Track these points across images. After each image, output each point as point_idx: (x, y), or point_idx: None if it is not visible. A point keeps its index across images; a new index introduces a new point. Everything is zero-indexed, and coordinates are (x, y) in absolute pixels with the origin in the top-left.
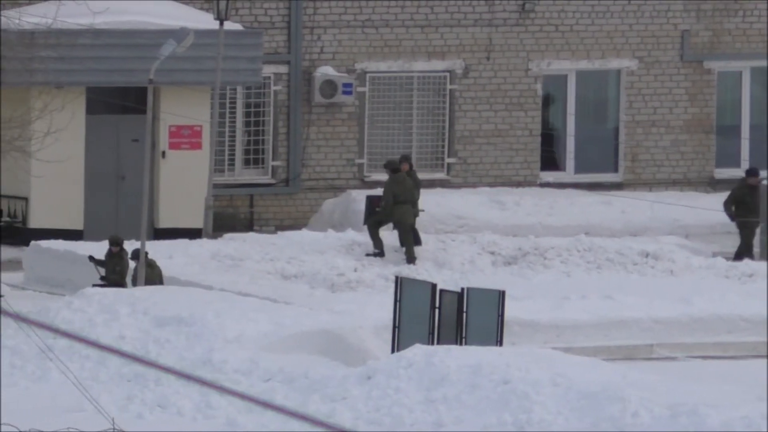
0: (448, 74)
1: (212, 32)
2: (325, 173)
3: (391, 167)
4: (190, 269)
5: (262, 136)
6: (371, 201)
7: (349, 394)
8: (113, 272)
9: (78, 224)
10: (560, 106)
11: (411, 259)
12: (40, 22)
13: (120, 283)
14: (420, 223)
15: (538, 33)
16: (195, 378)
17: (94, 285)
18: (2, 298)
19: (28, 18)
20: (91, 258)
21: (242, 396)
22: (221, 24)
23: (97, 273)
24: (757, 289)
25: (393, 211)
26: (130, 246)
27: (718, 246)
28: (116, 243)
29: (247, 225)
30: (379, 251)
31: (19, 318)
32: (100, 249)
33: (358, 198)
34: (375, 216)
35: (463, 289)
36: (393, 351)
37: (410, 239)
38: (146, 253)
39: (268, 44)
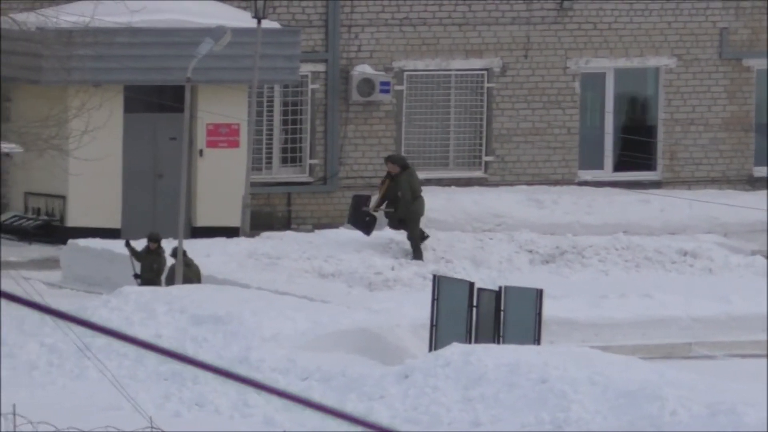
0: (485, 72)
1: (250, 30)
2: (363, 171)
3: (401, 163)
4: (227, 268)
5: (300, 134)
6: (358, 200)
7: (387, 393)
8: (149, 270)
9: (115, 223)
10: (598, 104)
11: (420, 254)
12: (77, 21)
13: (154, 281)
14: (457, 221)
15: (577, 31)
16: (233, 375)
17: (137, 283)
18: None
19: (66, 16)
20: (127, 243)
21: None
22: (259, 22)
23: (131, 267)
24: None
25: (414, 209)
26: (167, 244)
27: (757, 244)
28: (155, 240)
29: (285, 223)
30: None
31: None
32: (137, 248)
33: None
34: (394, 214)
35: (500, 287)
36: (430, 349)
37: (417, 235)
38: (184, 252)
39: (306, 42)
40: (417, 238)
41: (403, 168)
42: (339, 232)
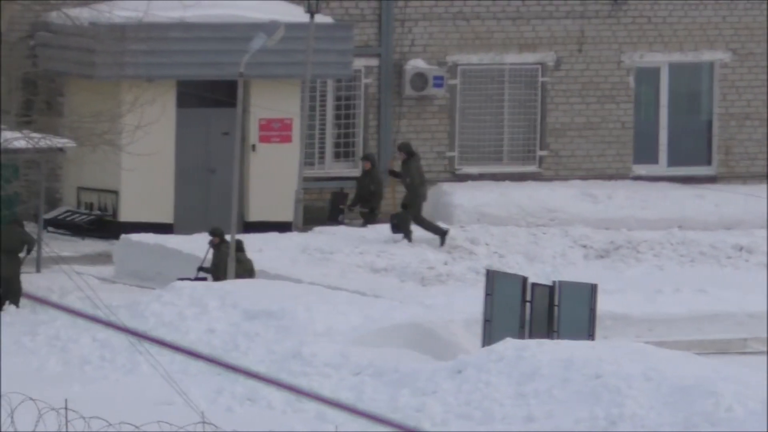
0: (539, 67)
1: (303, 25)
2: None
3: (407, 150)
4: (279, 263)
5: (353, 129)
6: (336, 197)
7: (440, 388)
8: (214, 267)
9: (168, 218)
10: (653, 99)
11: (410, 237)
12: (131, 16)
13: (219, 277)
14: (511, 216)
15: (631, 25)
16: (274, 381)
17: (197, 275)
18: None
19: (119, 11)
20: (200, 269)
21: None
22: (312, 17)
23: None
24: None
25: (422, 192)
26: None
27: None
28: (216, 234)
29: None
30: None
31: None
32: (189, 243)
33: (449, 191)
34: (411, 208)
35: (554, 282)
36: (483, 345)
37: (420, 221)
38: (242, 243)
39: (359, 37)
40: (421, 223)
41: (410, 155)
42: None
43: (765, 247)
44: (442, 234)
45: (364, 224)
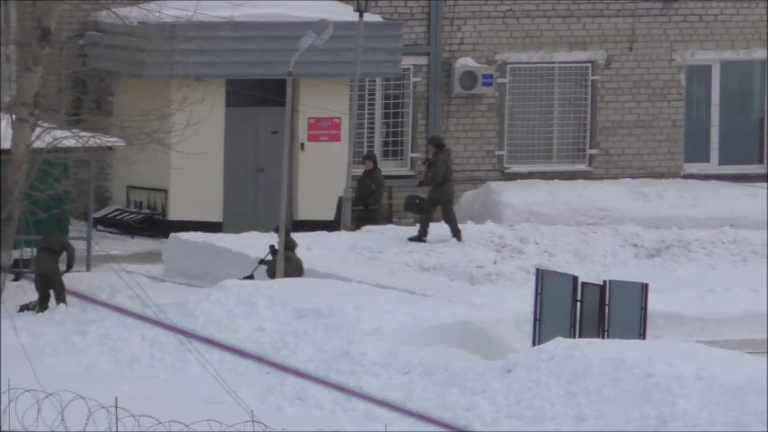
0: (590, 65)
1: (352, 24)
2: (465, 165)
3: (437, 143)
4: (328, 261)
5: (401, 127)
6: (341, 200)
7: (489, 387)
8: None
9: (217, 216)
10: (704, 97)
11: (459, 234)
12: (180, 15)
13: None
14: (561, 214)
15: (682, 23)
16: (322, 381)
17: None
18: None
19: (168, 10)
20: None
21: (373, 399)
22: (361, 16)
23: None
24: None
25: (448, 189)
26: (270, 239)
27: None
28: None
29: (386, 217)
30: (424, 236)
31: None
32: (238, 241)
33: (498, 190)
34: (430, 201)
35: (605, 281)
36: (534, 344)
37: (454, 215)
38: (292, 241)
39: (408, 36)
40: (454, 220)
41: (439, 148)
42: (441, 225)
43: None
44: (459, 236)
45: (359, 226)
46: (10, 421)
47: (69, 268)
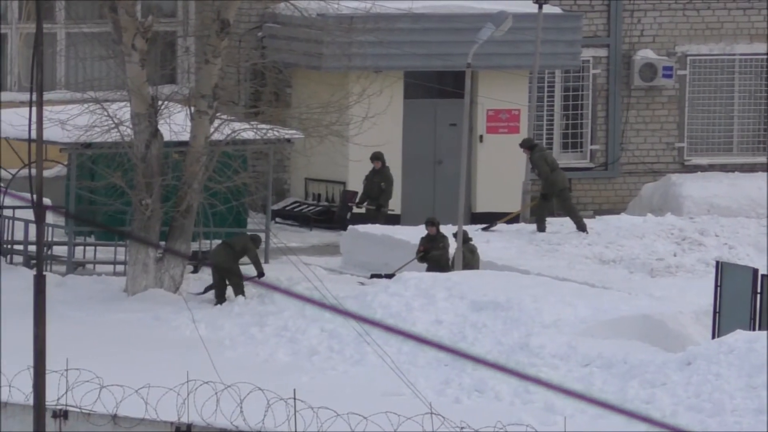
0: None
1: (531, 16)
2: (644, 157)
3: (528, 144)
4: (507, 254)
5: (581, 119)
6: (346, 195)
7: (669, 380)
8: (432, 256)
9: (395, 208)
10: None
11: (583, 226)
12: (358, 7)
13: (434, 267)
14: (741, 207)
15: None
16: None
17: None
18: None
19: (347, 2)
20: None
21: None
22: (540, 7)
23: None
24: None
25: (554, 180)
26: (447, 231)
27: None
28: (433, 224)
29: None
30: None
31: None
32: (416, 233)
33: (678, 182)
34: (549, 198)
35: None
36: (713, 337)
37: (573, 206)
38: (470, 238)
39: (588, 27)
40: (573, 210)
41: (531, 148)
42: (620, 218)
43: None
44: (583, 227)
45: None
46: (189, 413)
47: (259, 275)
